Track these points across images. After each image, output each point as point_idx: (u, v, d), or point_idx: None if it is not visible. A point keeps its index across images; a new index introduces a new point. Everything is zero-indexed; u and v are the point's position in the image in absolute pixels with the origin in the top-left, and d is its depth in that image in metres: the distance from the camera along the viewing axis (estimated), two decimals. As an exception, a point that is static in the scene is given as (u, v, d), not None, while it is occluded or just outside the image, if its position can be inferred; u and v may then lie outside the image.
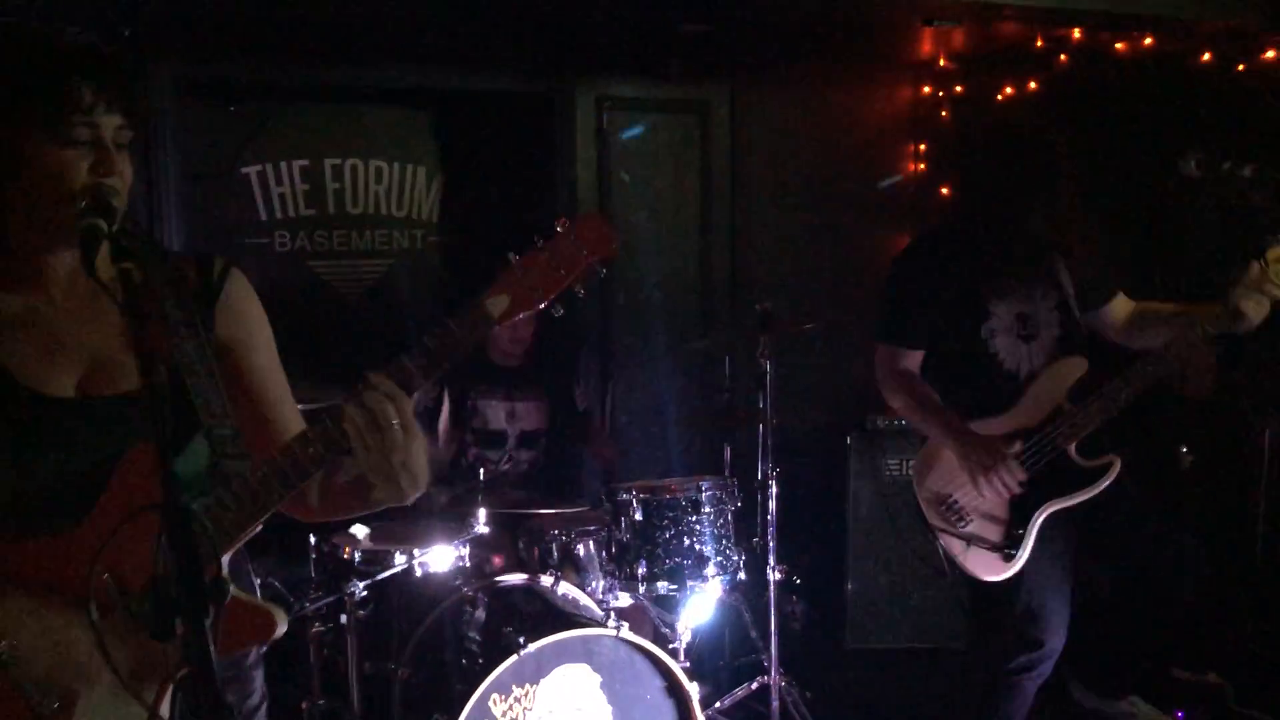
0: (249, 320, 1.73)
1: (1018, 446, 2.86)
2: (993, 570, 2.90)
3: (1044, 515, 2.86)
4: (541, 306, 1.59)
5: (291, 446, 1.52)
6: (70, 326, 1.60)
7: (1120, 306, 3.08)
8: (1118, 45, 4.43)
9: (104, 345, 1.60)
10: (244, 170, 4.73)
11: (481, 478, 3.48)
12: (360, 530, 3.46)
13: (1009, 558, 2.87)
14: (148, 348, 1.22)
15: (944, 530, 2.95)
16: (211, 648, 1.04)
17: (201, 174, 4.59)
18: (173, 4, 3.77)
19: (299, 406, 1.79)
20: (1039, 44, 4.59)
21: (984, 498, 2.88)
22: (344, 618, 3.28)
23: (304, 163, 4.82)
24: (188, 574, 1.05)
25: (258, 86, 4.64)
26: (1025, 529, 2.86)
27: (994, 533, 2.90)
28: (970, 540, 2.91)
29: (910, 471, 4.45)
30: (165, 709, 1.48)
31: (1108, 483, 2.84)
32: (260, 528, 1.55)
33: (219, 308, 1.69)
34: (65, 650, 1.48)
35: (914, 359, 3.05)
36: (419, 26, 4.35)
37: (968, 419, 2.94)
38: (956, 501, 2.94)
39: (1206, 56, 4.29)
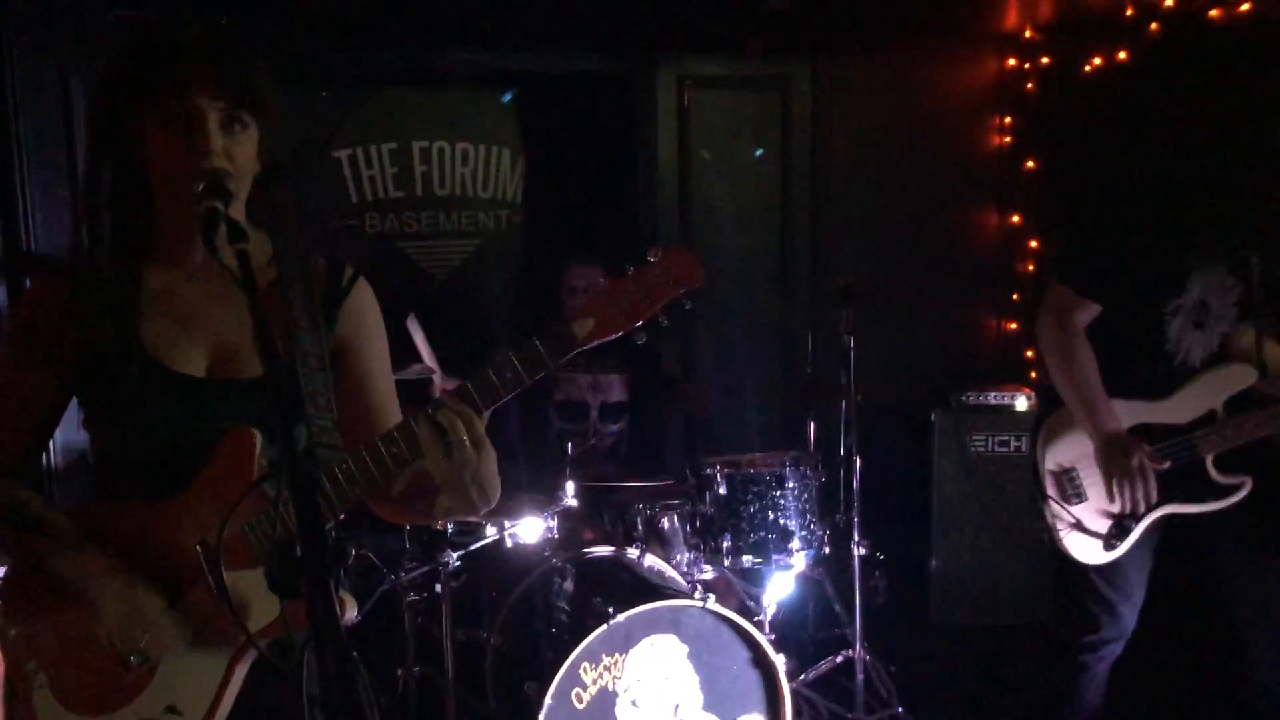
0: (369, 326, 1.82)
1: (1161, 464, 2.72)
2: (1089, 553, 2.83)
3: (1158, 514, 2.78)
4: (627, 332, 1.62)
5: (376, 444, 1.58)
6: (205, 307, 1.70)
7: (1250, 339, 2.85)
8: (1212, 12, 4.31)
9: (234, 328, 1.71)
10: (335, 153, 4.86)
11: (570, 453, 3.54)
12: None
13: (1111, 547, 2.80)
14: (269, 334, 1.28)
15: (1056, 502, 2.84)
16: (336, 606, 1.10)
17: (294, 157, 4.72)
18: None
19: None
20: (1129, 12, 4.49)
21: (1123, 499, 2.76)
22: (438, 587, 3.38)
23: (392, 146, 4.93)
24: (312, 535, 1.12)
25: (347, 71, 4.75)
26: (1136, 523, 2.78)
27: (1103, 520, 2.81)
28: (1078, 522, 2.82)
29: (1005, 460, 4.46)
30: (240, 676, 1.59)
31: (1235, 501, 2.74)
32: (342, 515, 1.62)
33: (344, 310, 1.78)
34: (150, 615, 1.59)
35: (1088, 313, 2.81)
36: (501, 10, 4.41)
37: (1119, 395, 2.79)
38: (1079, 478, 2.83)
39: (1307, 21, 4.15)
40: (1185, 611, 3.50)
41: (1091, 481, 2.82)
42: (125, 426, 1.64)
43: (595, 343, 1.61)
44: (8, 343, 1.70)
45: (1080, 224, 2.95)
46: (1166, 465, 2.73)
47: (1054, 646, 3.06)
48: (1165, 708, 3.78)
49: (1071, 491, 2.83)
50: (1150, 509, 2.76)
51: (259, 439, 1.61)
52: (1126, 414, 2.80)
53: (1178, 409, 2.79)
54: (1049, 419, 2.90)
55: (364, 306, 1.82)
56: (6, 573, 1.69)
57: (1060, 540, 2.84)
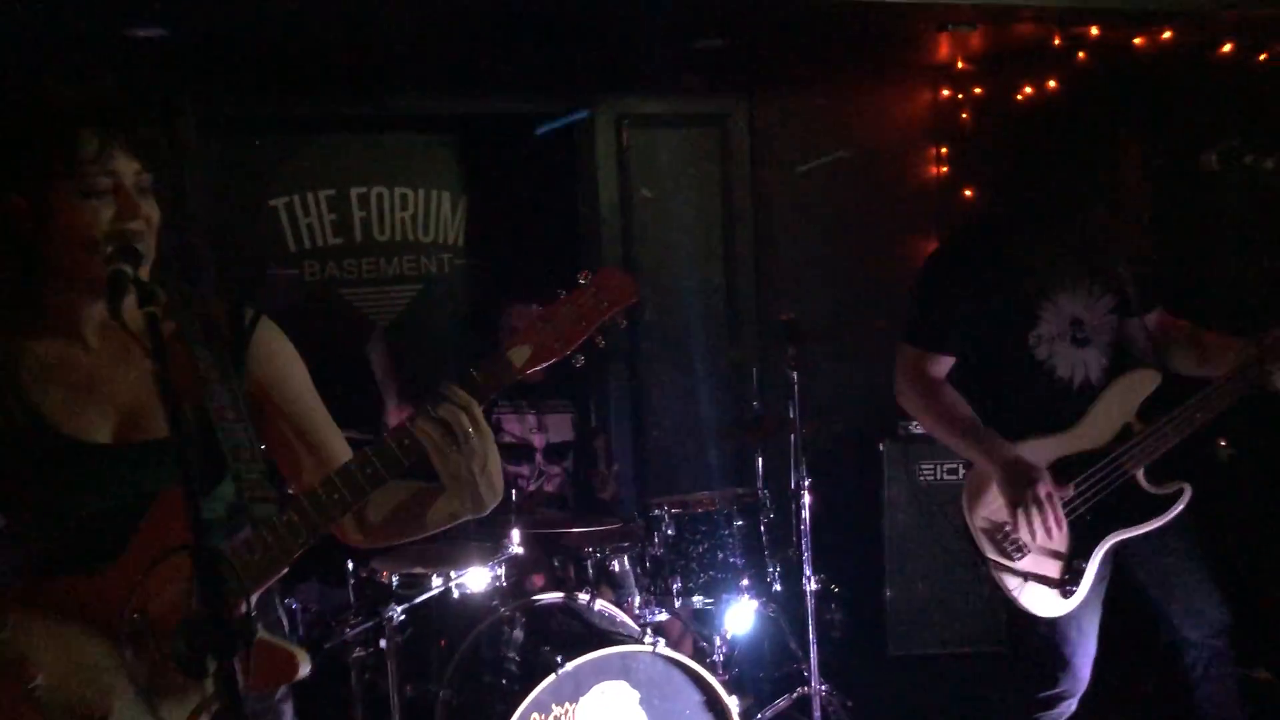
0: (281, 361, 1.77)
1: (1070, 491, 2.64)
2: (1050, 607, 2.67)
3: (1107, 546, 2.67)
4: (563, 356, 1.62)
5: (348, 469, 1.55)
6: (105, 373, 1.64)
7: (1155, 321, 2.86)
8: (1136, 40, 4.40)
9: (138, 391, 1.64)
10: (271, 203, 4.80)
11: (513, 499, 3.49)
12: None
13: (1068, 594, 2.65)
14: (174, 394, 1.25)
15: (999, 564, 2.68)
16: (240, 684, 1.06)
17: (228, 208, 4.67)
18: (193, 43, 3.84)
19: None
20: (1057, 42, 4.57)
21: (1031, 529, 2.61)
22: (383, 642, 3.31)
23: (330, 192, 4.88)
24: (216, 615, 1.08)
25: (281, 120, 4.71)
26: (1087, 560, 2.66)
27: (1052, 567, 2.67)
28: (1027, 576, 2.66)
29: (955, 488, 4.35)
30: None
31: (1178, 512, 2.65)
32: (288, 569, 1.58)
33: (250, 353, 1.73)
34: (95, 684, 1.52)
35: (942, 365, 2.78)
36: (436, 54, 4.40)
37: (1020, 438, 2.67)
38: (1011, 531, 2.67)
39: (1227, 48, 4.26)
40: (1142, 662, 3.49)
41: (1025, 532, 2.66)
42: (37, 503, 1.58)
43: (534, 369, 1.61)
44: None
45: (919, 282, 2.89)
46: (1070, 491, 2.65)
47: (1012, 677, 2.99)
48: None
49: (1011, 547, 2.67)
50: (1097, 543, 2.67)
51: None
52: (1041, 452, 2.68)
53: (1090, 433, 2.70)
54: (965, 485, 2.79)
55: (272, 345, 1.76)
56: None
57: (1017, 600, 2.69)
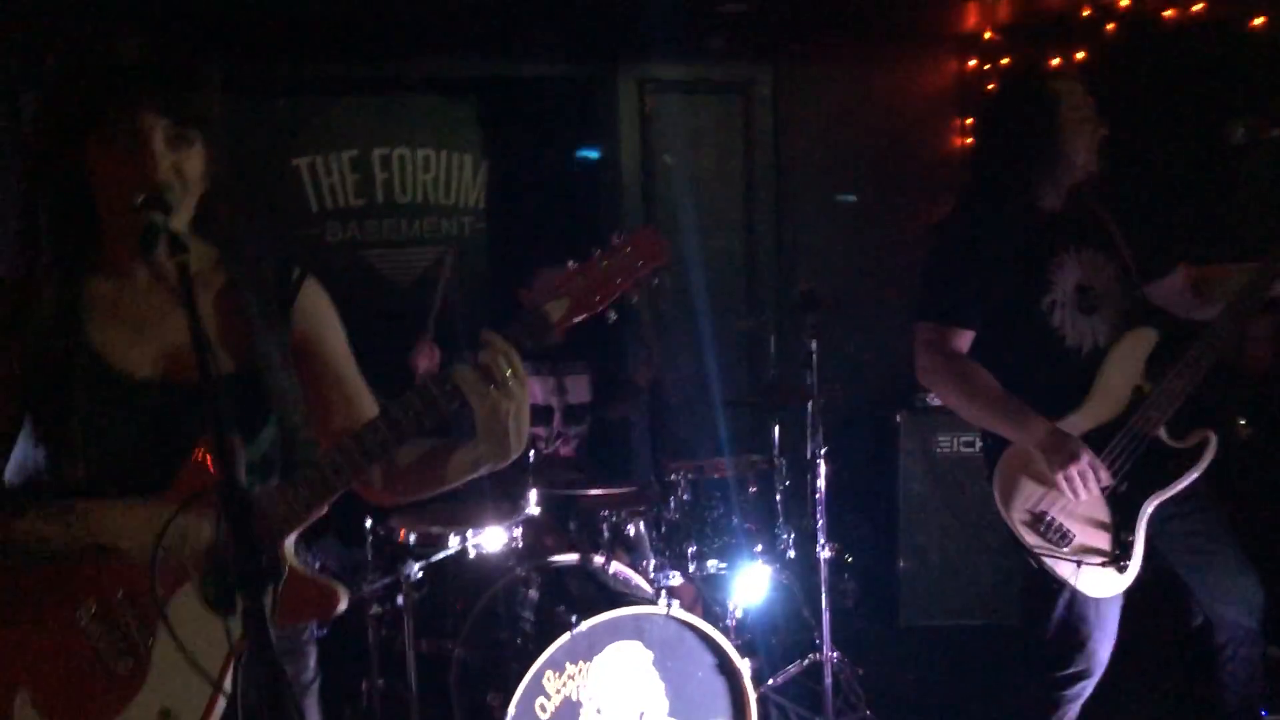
0: (324, 318, 1.84)
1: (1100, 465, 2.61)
2: (1109, 586, 2.64)
3: (1149, 511, 2.62)
4: (599, 310, 1.66)
5: (391, 411, 1.59)
6: (156, 313, 1.69)
7: (1182, 277, 2.84)
8: (1166, 12, 4.35)
9: (185, 332, 1.66)
10: (294, 161, 4.82)
11: (531, 460, 3.52)
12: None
13: (1123, 569, 2.62)
14: (204, 342, 1.28)
15: (1047, 553, 2.65)
16: (269, 622, 1.08)
17: (252, 168, 4.69)
18: (217, 3, 3.85)
19: None
20: (1086, 13, 4.52)
21: (1076, 500, 2.60)
22: (400, 599, 3.34)
23: (353, 153, 4.90)
24: (244, 552, 1.10)
25: (304, 80, 4.72)
26: (1133, 531, 2.62)
27: (1102, 542, 2.64)
28: (1079, 560, 2.63)
29: (971, 460, 4.43)
30: (228, 682, 1.54)
31: (1209, 460, 2.61)
32: (326, 509, 1.62)
33: (296, 308, 1.79)
34: (136, 617, 1.55)
35: (963, 340, 2.74)
36: (461, 15, 4.40)
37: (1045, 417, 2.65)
38: (1054, 519, 2.65)
39: (1259, 21, 4.20)
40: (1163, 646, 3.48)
41: (1067, 515, 2.66)
42: (83, 434, 1.62)
43: (571, 322, 1.65)
44: None
45: (928, 258, 2.87)
46: (1111, 482, 2.62)
47: (1023, 653, 2.92)
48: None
49: (1055, 535, 2.66)
50: (1138, 511, 2.64)
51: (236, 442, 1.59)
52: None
53: (1103, 404, 2.68)
54: (996, 477, 2.75)
55: (316, 302, 1.83)
56: None
57: (1076, 587, 2.65)
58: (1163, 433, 2.64)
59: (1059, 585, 2.67)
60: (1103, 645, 2.76)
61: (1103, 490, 2.63)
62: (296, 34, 4.42)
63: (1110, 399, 2.68)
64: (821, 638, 3.67)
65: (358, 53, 4.60)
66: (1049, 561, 2.65)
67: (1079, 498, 2.60)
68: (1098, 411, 2.68)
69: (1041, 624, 2.78)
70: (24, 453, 1.64)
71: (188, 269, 1.43)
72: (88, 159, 1.59)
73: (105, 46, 1.60)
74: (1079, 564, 2.64)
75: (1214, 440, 2.63)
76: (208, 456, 1.57)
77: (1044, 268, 2.71)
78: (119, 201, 1.58)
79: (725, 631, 3.28)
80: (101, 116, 1.56)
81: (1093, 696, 2.84)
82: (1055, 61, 4.71)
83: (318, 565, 3.64)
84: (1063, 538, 2.65)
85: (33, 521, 1.59)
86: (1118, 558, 2.63)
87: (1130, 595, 2.77)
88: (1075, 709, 2.84)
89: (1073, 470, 2.58)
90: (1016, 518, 2.69)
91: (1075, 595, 2.69)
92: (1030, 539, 2.67)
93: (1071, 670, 2.77)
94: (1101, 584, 2.65)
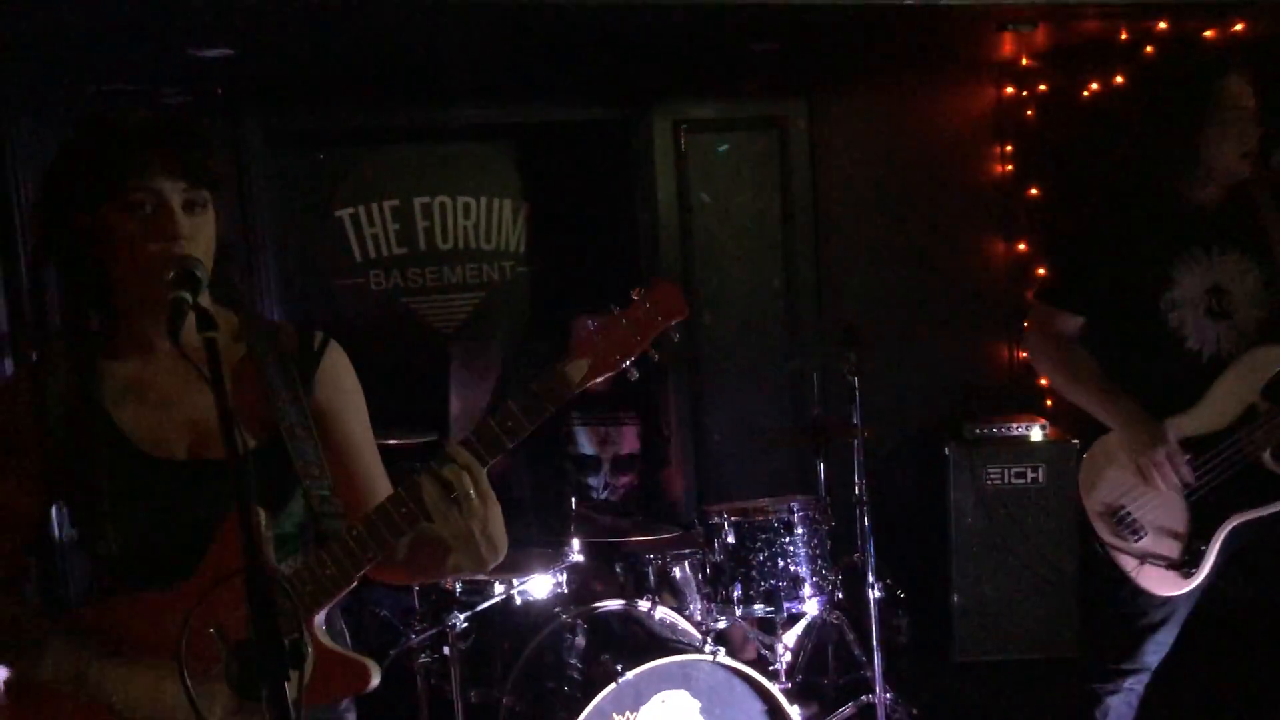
0: (346, 390, 1.81)
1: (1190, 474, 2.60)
2: (1169, 586, 2.66)
3: (1229, 528, 2.61)
4: (619, 370, 1.65)
5: (385, 506, 1.57)
6: (180, 392, 1.68)
7: None
8: (1206, 33, 4.29)
9: (211, 409, 1.68)
10: (337, 214, 4.89)
11: (572, 508, 3.51)
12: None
13: (1188, 575, 2.63)
14: (230, 419, 1.28)
15: (1116, 546, 2.70)
16: (291, 708, 1.08)
17: (296, 219, 4.77)
18: (257, 58, 3.92)
19: (398, 441, 1.87)
20: (1123, 36, 4.47)
21: (1158, 492, 2.62)
22: (447, 649, 3.35)
23: (394, 203, 4.96)
24: (266, 638, 1.11)
25: (345, 132, 4.79)
26: (1207, 544, 2.61)
27: (1171, 548, 2.65)
28: (1145, 557, 2.66)
29: (1022, 492, 4.40)
30: None
31: None
32: (355, 585, 1.60)
33: (318, 377, 1.76)
34: (166, 705, 1.56)
35: (1072, 324, 2.77)
36: (496, 64, 4.45)
37: (1150, 413, 2.65)
38: (1130, 514, 2.69)
39: (1301, 39, 4.14)
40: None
41: (1144, 513, 2.68)
42: (114, 518, 1.62)
43: (591, 382, 1.64)
44: None
45: (1055, 239, 2.90)
46: (1193, 483, 2.60)
47: (1078, 682, 2.94)
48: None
49: (1127, 530, 2.69)
50: (1219, 524, 2.61)
51: (264, 517, 1.58)
52: None
53: (1212, 413, 2.63)
54: (1084, 462, 2.79)
55: (339, 371, 1.80)
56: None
57: (1136, 580, 2.69)
58: (1267, 455, 2.59)
59: (1121, 576, 2.69)
60: (1158, 647, 2.77)
61: (1186, 496, 2.62)
62: (335, 87, 4.49)
63: (1221, 409, 2.63)
64: (875, 677, 3.62)
65: (396, 103, 4.66)
66: (1114, 553, 2.69)
67: (1158, 489, 2.60)
68: (1205, 419, 2.64)
69: (1100, 613, 2.81)
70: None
71: (216, 346, 1.41)
72: (104, 230, 1.58)
73: (112, 118, 1.61)
74: (1143, 561, 2.66)
75: None
76: (235, 534, 1.57)
77: (1169, 264, 2.65)
78: (139, 274, 1.57)
79: (774, 675, 3.25)
80: (117, 183, 1.56)
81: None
82: (1094, 86, 4.66)
83: (369, 613, 3.67)
84: (1134, 533, 2.68)
85: (49, 669, 1.59)
86: (1186, 563, 2.63)
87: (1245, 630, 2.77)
88: (1121, 711, 2.83)
89: (1151, 458, 2.58)
90: (1093, 507, 2.73)
91: (1138, 590, 2.70)
92: (1102, 529, 2.72)
93: (1123, 666, 2.78)
94: (1163, 584, 2.67)
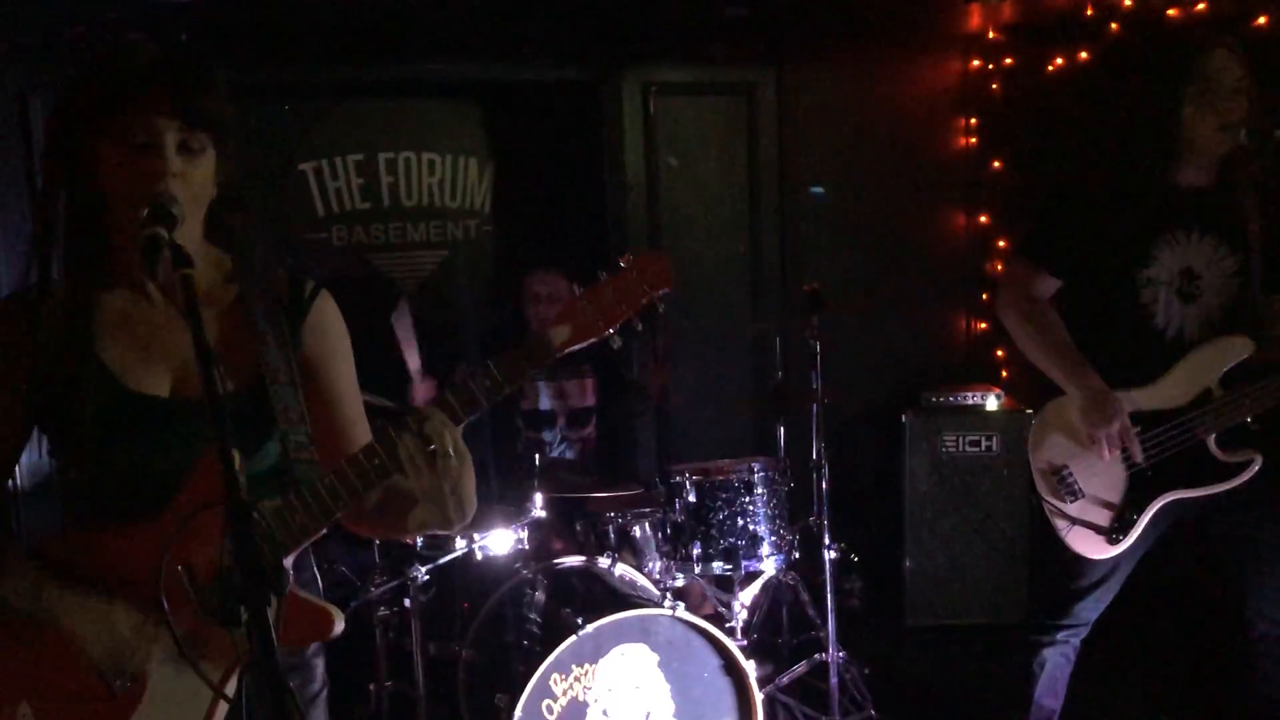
0: (334, 340, 1.80)
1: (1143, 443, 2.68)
2: (1095, 550, 2.77)
3: (1162, 503, 2.70)
4: (602, 336, 1.65)
5: (358, 457, 1.58)
6: (166, 327, 1.68)
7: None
8: (1170, 11, 4.35)
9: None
10: (300, 166, 4.84)
11: (536, 464, 3.54)
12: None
13: (1114, 541, 2.73)
14: (208, 356, 1.29)
15: (1051, 506, 2.80)
16: (273, 634, 1.10)
17: (259, 172, 4.71)
18: (224, 8, 3.87)
19: (363, 398, 1.87)
20: (1089, 12, 4.52)
21: (1101, 460, 2.70)
22: (407, 601, 3.37)
23: (358, 157, 4.92)
24: (250, 564, 1.12)
25: (311, 84, 4.74)
26: (1139, 514, 2.71)
27: (1102, 515, 2.75)
28: (1075, 520, 2.77)
29: (976, 460, 4.48)
30: (231, 690, 1.56)
31: (1243, 481, 2.65)
32: (325, 531, 1.61)
33: (306, 325, 1.76)
34: (133, 635, 1.57)
35: (1048, 286, 2.83)
36: (466, 20, 4.42)
37: (1109, 383, 2.71)
38: (1071, 476, 2.78)
39: (1261, 20, 4.19)
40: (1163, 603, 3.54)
41: (1084, 478, 2.76)
42: (92, 451, 1.63)
43: (572, 348, 1.64)
44: None
45: (1042, 200, 2.91)
46: (1141, 462, 2.68)
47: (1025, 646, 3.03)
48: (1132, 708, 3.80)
49: (1064, 490, 2.78)
50: (1153, 498, 2.70)
51: (237, 457, 1.59)
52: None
53: (1170, 392, 2.70)
54: (1035, 420, 2.87)
55: (328, 321, 1.80)
56: None
57: (1065, 540, 2.79)
58: (1212, 440, 2.67)
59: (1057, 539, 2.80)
60: (1094, 605, 2.87)
61: (1128, 467, 2.71)
62: (302, 39, 4.44)
63: (1177, 390, 2.70)
64: (828, 637, 3.68)
65: (363, 57, 4.61)
66: (1049, 513, 2.81)
67: (1102, 457, 2.70)
68: (1161, 397, 2.71)
69: (1048, 564, 2.89)
70: (33, 459, 1.66)
71: (191, 283, 1.41)
72: (100, 162, 1.58)
73: (121, 51, 1.61)
74: (1074, 523, 2.77)
75: (1257, 464, 2.65)
76: (209, 472, 1.57)
77: (1150, 241, 2.69)
78: (129, 210, 1.56)
79: (731, 633, 3.29)
80: (116, 117, 1.56)
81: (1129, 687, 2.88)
82: (1059, 61, 4.71)
83: (325, 567, 3.67)
84: (1070, 495, 2.78)
85: (6, 587, 1.60)
86: (1114, 530, 2.74)
87: (1181, 595, 2.87)
88: (1056, 661, 2.93)
89: (1103, 431, 2.67)
90: (1037, 464, 2.84)
91: (1075, 552, 2.80)
92: (1043, 487, 2.82)
93: (1060, 621, 2.89)
94: (1090, 546, 2.78)
